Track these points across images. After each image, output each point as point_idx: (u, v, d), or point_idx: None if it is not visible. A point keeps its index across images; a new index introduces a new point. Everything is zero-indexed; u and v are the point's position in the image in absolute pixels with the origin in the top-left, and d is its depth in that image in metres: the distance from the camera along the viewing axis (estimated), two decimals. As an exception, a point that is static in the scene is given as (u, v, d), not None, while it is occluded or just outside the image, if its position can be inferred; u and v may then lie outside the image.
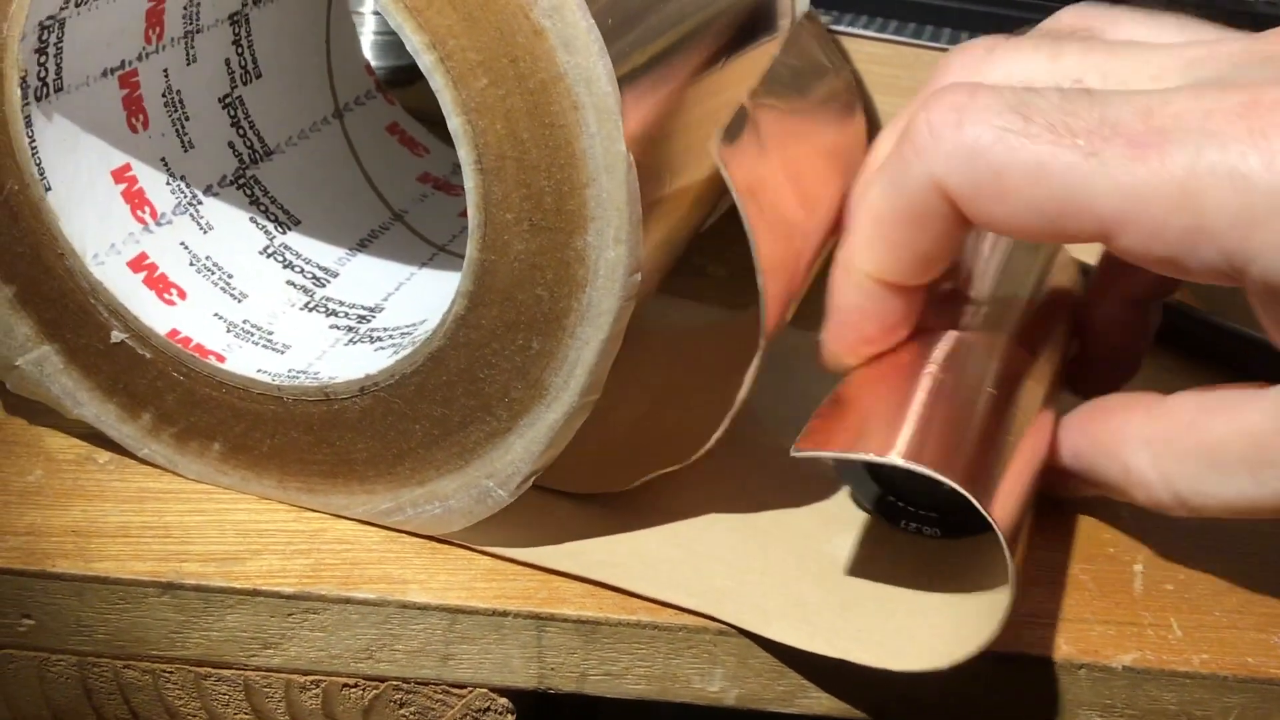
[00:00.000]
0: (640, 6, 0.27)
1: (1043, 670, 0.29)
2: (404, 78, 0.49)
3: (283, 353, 0.31)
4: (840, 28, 0.53)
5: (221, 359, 0.30)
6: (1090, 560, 0.31)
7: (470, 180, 0.26)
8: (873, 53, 0.51)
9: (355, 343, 0.32)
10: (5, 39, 0.27)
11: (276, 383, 0.30)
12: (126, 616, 0.29)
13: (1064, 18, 0.31)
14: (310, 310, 0.33)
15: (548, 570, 0.30)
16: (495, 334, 0.27)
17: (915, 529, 0.31)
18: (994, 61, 0.29)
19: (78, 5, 0.29)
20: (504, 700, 0.30)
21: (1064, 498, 0.32)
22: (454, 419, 0.28)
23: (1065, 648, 0.29)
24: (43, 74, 0.29)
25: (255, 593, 0.29)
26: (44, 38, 0.28)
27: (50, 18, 0.28)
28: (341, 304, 0.34)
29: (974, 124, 0.26)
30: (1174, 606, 0.30)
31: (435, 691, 0.30)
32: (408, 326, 0.32)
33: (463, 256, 0.27)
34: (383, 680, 0.30)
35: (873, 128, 0.38)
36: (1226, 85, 0.25)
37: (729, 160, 0.27)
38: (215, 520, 0.31)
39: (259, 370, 0.30)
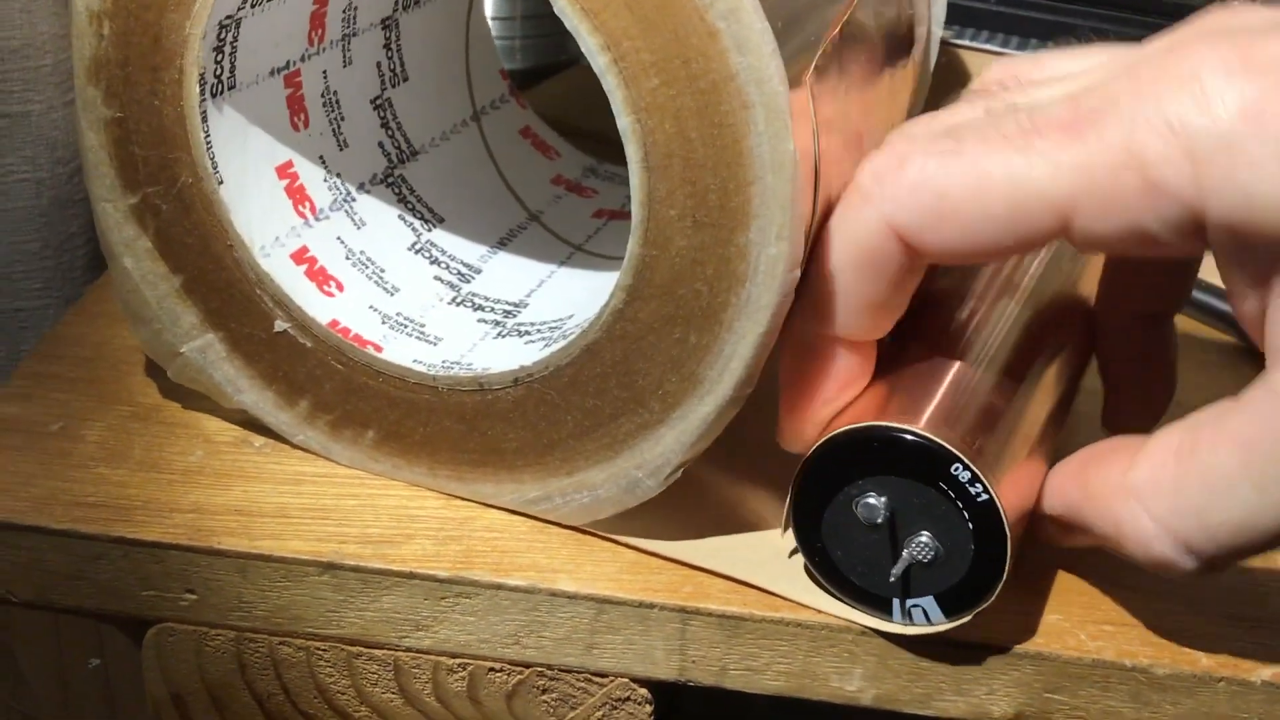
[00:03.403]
0: (805, 7, 0.27)
1: (1183, 683, 0.29)
2: (521, 84, 0.51)
3: (435, 344, 0.32)
4: (962, 41, 0.54)
5: (379, 349, 0.31)
6: (1232, 573, 0.31)
7: (636, 177, 0.27)
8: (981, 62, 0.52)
9: (504, 336, 0.33)
10: (188, 36, 0.29)
11: (431, 373, 0.31)
12: (286, 594, 0.30)
13: (992, 73, 0.31)
14: (458, 305, 0.34)
15: (691, 566, 0.30)
16: (652, 328, 0.28)
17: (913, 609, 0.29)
18: (936, 121, 0.30)
19: (253, 6, 0.30)
20: (644, 691, 0.31)
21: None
22: (606, 411, 0.29)
23: (1205, 661, 0.29)
24: (219, 71, 0.30)
25: (411, 575, 0.30)
26: (222, 36, 0.30)
27: (229, 17, 0.29)
28: (487, 299, 0.35)
29: (912, 159, 0.26)
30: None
31: (578, 679, 0.31)
32: (555, 321, 0.33)
33: (599, 255, 0.28)
34: (528, 666, 0.31)
35: (924, 69, 0.38)
36: (1144, 52, 0.25)
37: (819, 94, 0.27)
38: (369, 504, 0.32)
39: (415, 360, 0.31)
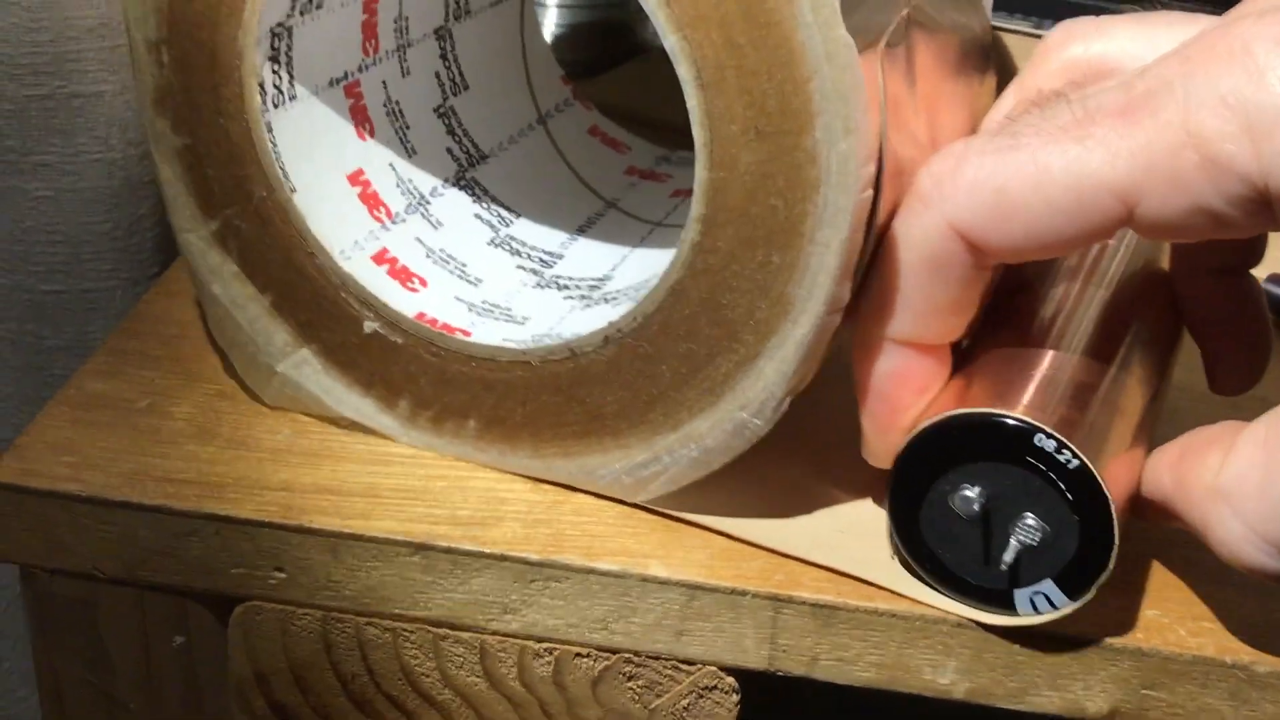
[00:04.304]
0: None
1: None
2: (585, 71, 0.51)
3: (523, 324, 0.32)
4: (1023, 28, 0.53)
5: (468, 334, 0.31)
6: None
7: (692, 98, 0.26)
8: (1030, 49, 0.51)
9: (592, 306, 0.33)
10: (243, 46, 0.29)
11: (523, 348, 0.30)
12: (376, 574, 0.30)
13: (1054, 38, 0.31)
14: (542, 288, 0.34)
15: (782, 554, 0.30)
16: (734, 255, 0.27)
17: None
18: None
19: (302, 13, 0.30)
20: (730, 679, 0.30)
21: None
22: (701, 353, 0.28)
23: None
24: (278, 82, 0.31)
25: (502, 558, 0.29)
26: (275, 45, 0.30)
27: (279, 25, 0.30)
28: (571, 279, 0.34)
29: (969, 158, 0.26)
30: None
31: (665, 666, 0.30)
32: (641, 283, 0.33)
33: (680, 226, 0.27)
34: (615, 652, 0.30)
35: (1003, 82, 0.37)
36: (1194, 38, 0.25)
37: (888, 67, 0.27)
38: (458, 485, 0.31)
39: (505, 339, 0.31)
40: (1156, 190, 0.24)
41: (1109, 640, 0.28)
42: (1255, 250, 0.32)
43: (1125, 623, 0.29)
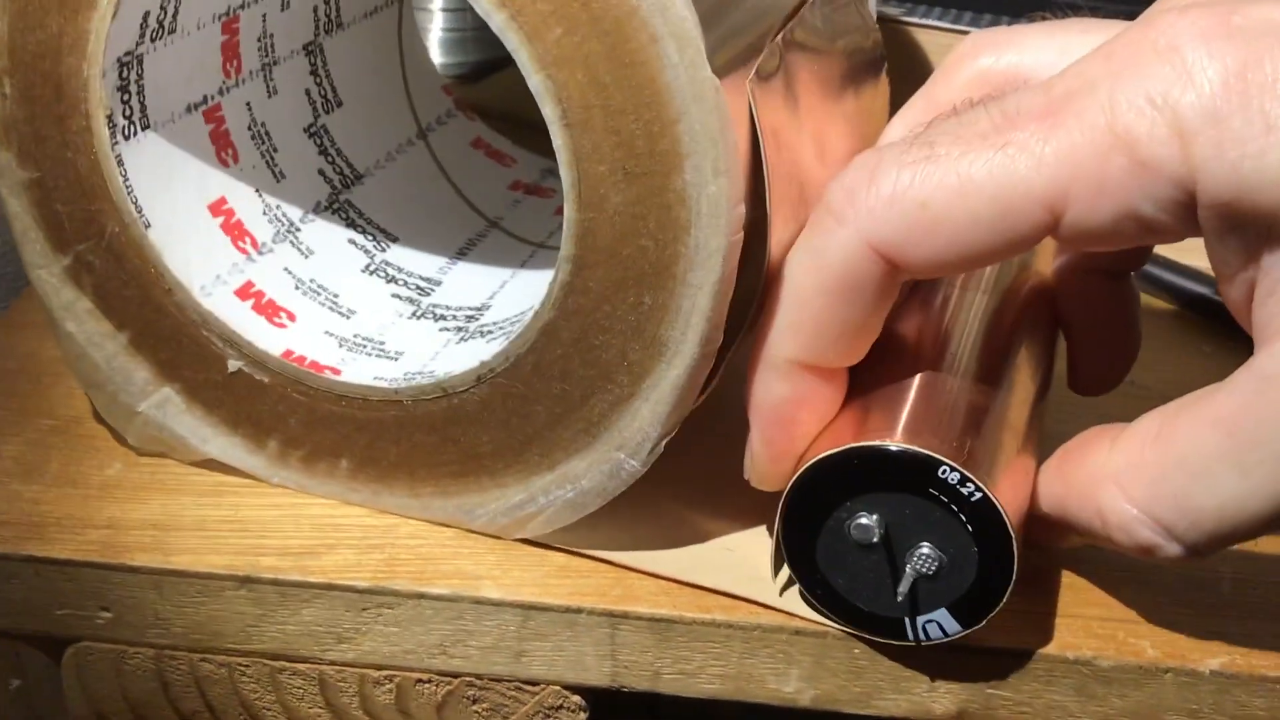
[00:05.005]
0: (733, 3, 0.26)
1: (1129, 674, 0.28)
2: (473, 74, 0.50)
3: (396, 359, 0.31)
4: (914, 19, 0.52)
5: (337, 372, 0.30)
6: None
7: (558, 137, 0.25)
8: (948, 44, 0.50)
9: (467, 340, 0.32)
10: (87, 78, 0.28)
11: (394, 387, 0.29)
12: (204, 610, 0.29)
13: (964, 49, 0.30)
14: (418, 318, 0.33)
15: (621, 566, 0.29)
16: (605, 296, 0.26)
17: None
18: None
19: (153, 40, 0.29)
20: (576, 698, 0.30)
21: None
22: (575, 393, 0.28)
23: (1151, 651, 0.28)
24: (128, 112, 0.29)
25: (330, 587, 0.29)
26: (124, 75, 0.29)
27: (128, 54, 0.28)
28: (448, 308, 0.33)
29: (885, 171, 0.25)
30: (1262, 610, 0.29)
31: (508, 688, 0.30)
32: (517, 316, 0.32)
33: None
34: (456, 676, 0.30)
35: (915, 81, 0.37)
36: (1115, 36, 0.24)
37: (759, 98, 0.26)
38: (291, 515, 0.31)
39: (375, 378, 0.30)
40: (1085, 195, 0.23)
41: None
42: (1146, 252, 0.32)
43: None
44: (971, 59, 0.30)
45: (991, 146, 0.24)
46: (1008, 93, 0.25)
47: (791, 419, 0.27)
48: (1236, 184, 0.22)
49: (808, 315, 0.26)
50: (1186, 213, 0.23)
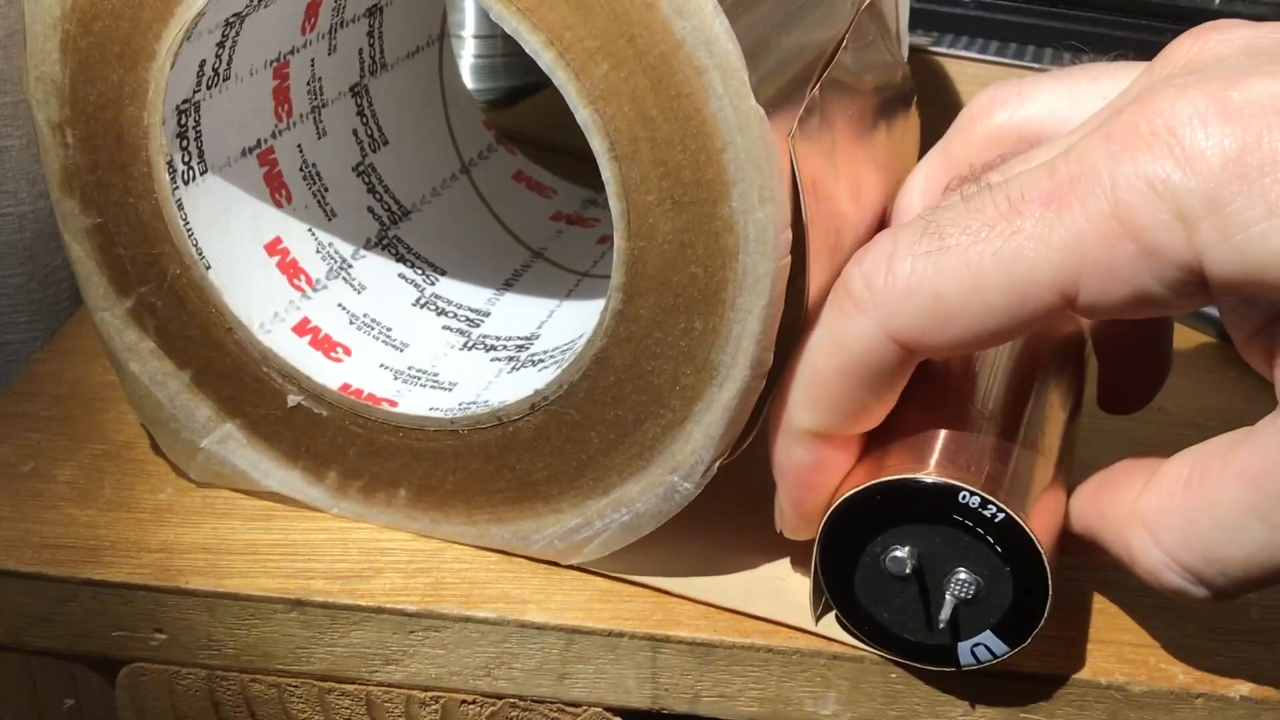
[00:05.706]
0: (775, 36, 0.27)
1: (1160, 699, 0.28)
2: (505, 100, 0.51)
3: (450, 390, 0.32)
4: (941, 49, 0.53)
5: (394, 404, 0.31)
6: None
7: (607, 170, 0.26)
8: (975, 74, 0.51)
9: (518, 369, 0.32)
10: (148, 126, 0.29)
11: (450, 416, 0.30)
12: (255, 632, 0.30)
13: (976, 104, 0.31)
14: (469, 349, 0.34)
15: (662, 592, 0.30)
16: (656, 322, 0.27)
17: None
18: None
19: (209, 87, 0.30)
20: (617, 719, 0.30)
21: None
22: (628, 419, 0.28)
23: (1182, 677, 0.28)
24: (186, 158, 0.30)
25: (379, 610, 0.29)
26: (182, 122, 0.29)
27: (185, 101, 0.29)
28: (498, 339, 0.34)
29: (899, 262, 0.25)
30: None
31: (551, 710, 0.30)
32: (567, 344, 0.32)
33: (607, 277, 0.27)
34: (500, 698, 0.30)
35: (938, 111, 0.37)
36: (1115, 111, 0.24)
37: (801, 154, 0.26)
38: (339, 538, 0.31)
39: (431, 409, 0.30)
40: (1096, 280, 0.24)
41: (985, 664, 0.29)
42: None
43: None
44: (986, 116, 0.30)
45: (999, 235, 0.24)
46: (1016, 163, 0.26)
47: (814, 481, 0.28)
48: (1242, 267, 0.22)
49: (826, 394, 0.27)
50: (1198, 290, 0.23)
